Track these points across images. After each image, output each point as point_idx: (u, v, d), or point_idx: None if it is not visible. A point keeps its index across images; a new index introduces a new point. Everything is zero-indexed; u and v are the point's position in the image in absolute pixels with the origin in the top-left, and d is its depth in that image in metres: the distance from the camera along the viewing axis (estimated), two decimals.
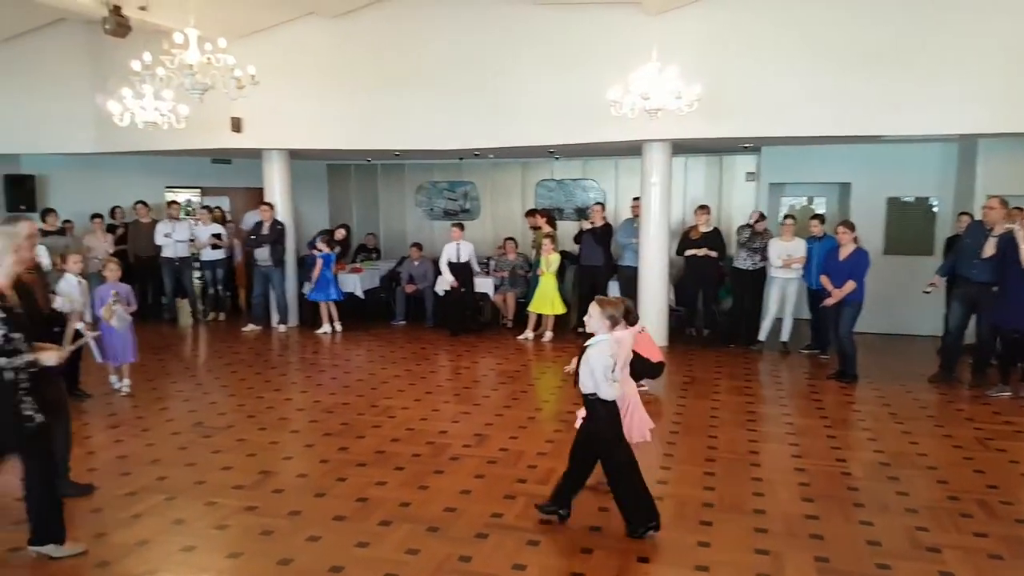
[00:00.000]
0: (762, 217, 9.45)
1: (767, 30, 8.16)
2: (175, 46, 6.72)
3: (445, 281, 10.34)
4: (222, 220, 12.75)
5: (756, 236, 9.25)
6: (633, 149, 9.69)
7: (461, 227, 10.50)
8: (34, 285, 4.58)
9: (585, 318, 4.23)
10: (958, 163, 9.88)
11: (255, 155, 11.03)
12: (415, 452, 5.62)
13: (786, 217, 9.40)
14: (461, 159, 13.01)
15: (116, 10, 8.37)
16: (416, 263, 11.05)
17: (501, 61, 9.14)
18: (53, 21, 10.13)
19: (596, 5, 8.64)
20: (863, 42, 7.84)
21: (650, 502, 4.19)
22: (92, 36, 9.64)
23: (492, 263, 11.19)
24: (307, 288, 10.59)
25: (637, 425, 4.90)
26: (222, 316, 11.56)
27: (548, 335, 9.88)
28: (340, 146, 10.28)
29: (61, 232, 10.62)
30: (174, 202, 11.78)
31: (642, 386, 7.32)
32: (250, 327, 10.62)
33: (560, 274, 10.14)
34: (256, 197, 11.93)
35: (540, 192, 13.18)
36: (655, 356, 7.28)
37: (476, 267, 10.46)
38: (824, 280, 7.91)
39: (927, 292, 7.90)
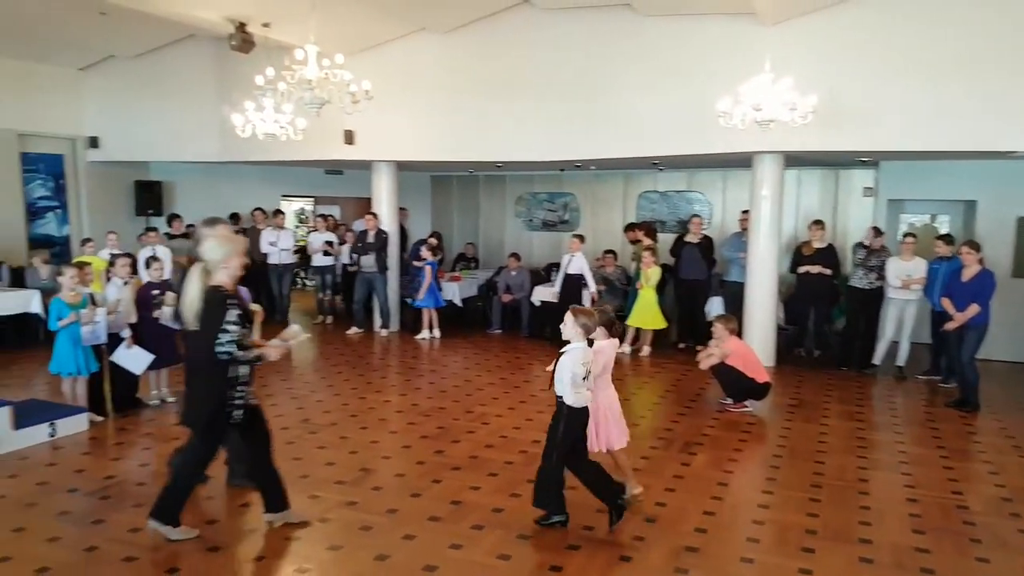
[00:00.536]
0: (878, 233, 8.99)
1: (889, 39, 7.79)
2: (296, 62, 7.02)
3: (549, 292, 10.30)
4: (334, 228, 13.26)
5: (873, 254, 8.81)
6: (742, 161, 9.45)
7: (581, 239, 10.32)
8: None
9: (561, 325, 4.35)
10: None
11: (365, 166, 11.43)
12: (508, 460, 5.65)
13: (906, 235, 8.90)
14: (562, 170, 13.04)
15: (241, 27, 8.91)
16: (513, 273, 11.13)
17: (606, 72, 9.12)
18: (184, 37, 10.83)
19: (707, 16, 8.49)
20: (996, 51, 7.36)
21: (618, 497, 4.39)
22: (219, 52, 10.30)
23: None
24: (419, 295, 10.68)
25: (616, 435, 4.80)
26: (330, 320, 11.98)
27: (646, 350, 9.72)
28: (445, 158, 10.52)
29: (185, 236, 11.32)
30: (279, 211, 12.29)
31: (745, 407, 7.12)
32: (354, 330, 10.98)
33: (660, 288, 9.98)
34: (364, 207, 12.34)
35: (642, 204, 13.04)
36: (761, 376, 7.09)
37: (590, 282, 10.10)
38: (946, 303, 7.45)
39: None
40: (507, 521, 4.55)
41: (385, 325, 11.07)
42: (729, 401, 7.24)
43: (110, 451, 5.89)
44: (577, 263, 10.02)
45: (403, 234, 12.13)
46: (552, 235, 13.82)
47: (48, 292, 8.85)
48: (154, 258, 7.68)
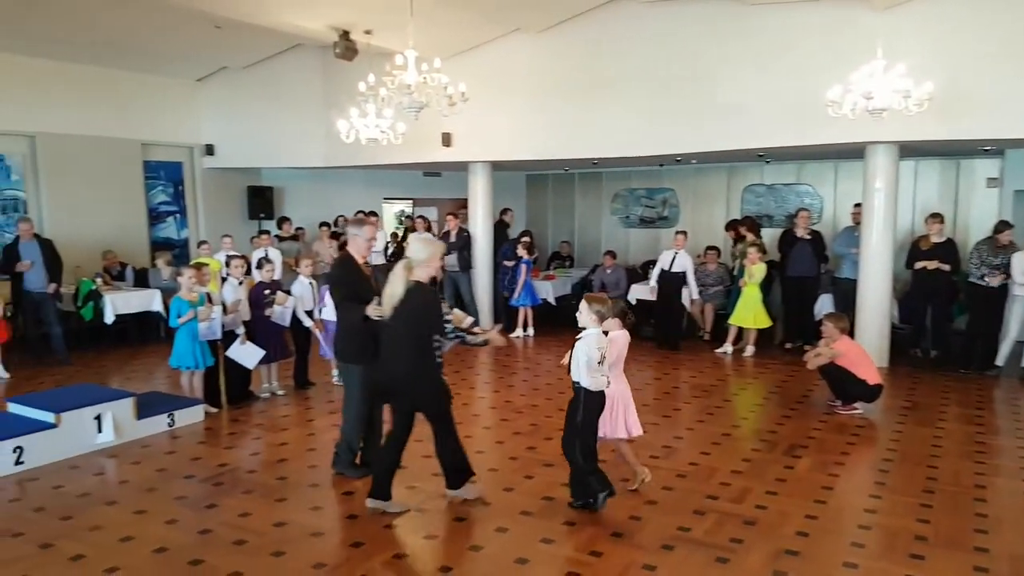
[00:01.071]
0: (1005, 227, 8.37)
1: (1013, 19, 7.26)
2: (396, 67, 7.19)
3: (647, 289, 10.16)
4: (427, 229, 13.50)
5: (998, 249, 8.22)
6: (854, 152, 9.03)
7: (685, 235, 10.04)
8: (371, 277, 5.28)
9: (577, 313, 4.48)
10: None
11: (462, 168, 11.60)
12: (600, 458, 5.57)
13: None
14: (662, 165, 12.82)
15: (345, 35, 9.24)
16: (609, 271, 11.03)
17: (708, 64, 8.88)
18: (291, 47, 11.30)
19: (813, 2, 8.16)
20: None
21: (599, 478, 4.49)
22: (324, 60, 10.70)
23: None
24: (515, 294, 10.76)
25: (632, 423, 4.86)
26: None
27: (750, 350, 9.41)
28: (541, 156, 10.54)
29: (294, 238, 11.83)
30: (373, 213, 12.04)
31: (855, 409, 6.81)
32: None
33: (765, 286, 9.64)
34: (461, 208, 12.52)
35: (748, 198, 12.65)
36: (872, 378, 6.77)
37: (691, 281, 9.84)
38: None
39: None
40: (599, 519, 4.51)
41: (475, 323, 11.12)
42: (838, 403, 6.93)
43: (223, 440, 6.21)
44: (682, 261, 9.77)
45: (507, 234, 12.16)
46: (649, 232, 13.61)
47: (168, 292, 9.43)
48: (266, 259, 8.09)
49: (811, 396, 7.43)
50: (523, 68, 10.15)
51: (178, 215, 12.61)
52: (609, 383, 4.51)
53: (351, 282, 5.01)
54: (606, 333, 4.51)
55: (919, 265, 8.66)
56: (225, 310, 6.91)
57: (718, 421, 6.63)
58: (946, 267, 8.54)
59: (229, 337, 7.00)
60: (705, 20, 8.92)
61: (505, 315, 11.18)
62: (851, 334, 7.25)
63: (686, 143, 9.36)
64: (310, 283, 7.53)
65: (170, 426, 6.39)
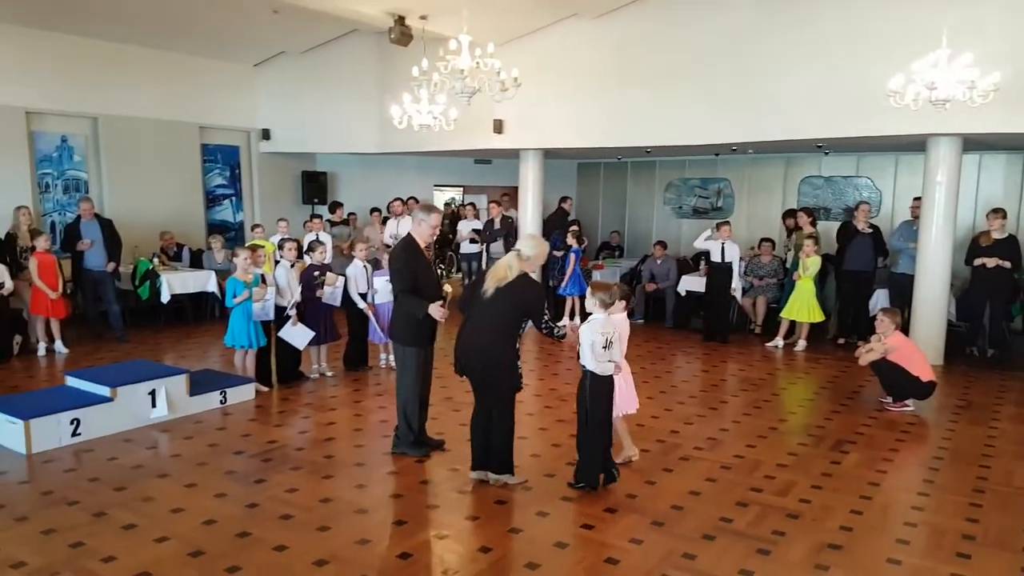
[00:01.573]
0: None
1: None
2: (449, 52, 7.20)
3: (699, 281, 10.04)
4: (476, 217, 13.57)
5: None
6: (916, 145, 8.77)
7: (729, 225, 9.81)
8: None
9: (586, 301, 4.72)
10: None
11: (513, 155, 11.60)
12: (644, 448, 5.58)
13: None
14: (717, 155, 12.62)
15: (400, 20, 9.30)
16: (659, 261, 10.93)
17: (766, 51, 8.71)
18: (347, 32, 11.42)
19: None
20: None
21: (605, 465, 4.68)
22: (380, 46, 10.80)
23: (742, 265, 10.70)
24: (563, 283, 10.71)
25: (624, 403, 5.04)
26: None
27: (801, 344, 9.23)
28: (594, 145, 10.48)
29: (346, 223, 12.00)
30: (398, 199, 11.57)
31: (907, 406, 6.66)
32: None
33: (819, 279, 9.44)
34: (511, 196, 12.55)
35: (804, 190, 12.38)
36: (925, 375, 6.60)
37: (736, 274, 9.66)
38: None
39: None
40: (641, 507, 4.52)
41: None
42: (889, 399, 6.78)
43: (273, 419, 6.36)
44: (731, 251, 9.58)
45: (567, 222, 11.99)
46: (702, 223, 13.34)
47: (222, 274, 9.69)
48: (317, 241, 8.23)
49: (862, 392, 7.28)
50: (578, 55, 10.08)
51: (234, 198, 12.89)
52: (619, 369, 4.70)
53: (412, 270, 5.05)
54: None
55: (978, 262, 8.39)
56: (278, 291, 7.06)
57: (765, 415, 6.54)
58: (1007, 264, 8.25)
59: (281, 318, 7.16)
60: (764, 7, 8.75)
61: (552, 304, 11.17)
62: (905, 330, 7.06)
63: (744, 132, 9.20)
64: (364, 266, 7.64)
65: (222, 403, 6.57)
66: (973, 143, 8.77)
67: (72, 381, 6.30)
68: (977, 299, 8.67)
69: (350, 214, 12.45)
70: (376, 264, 8.08)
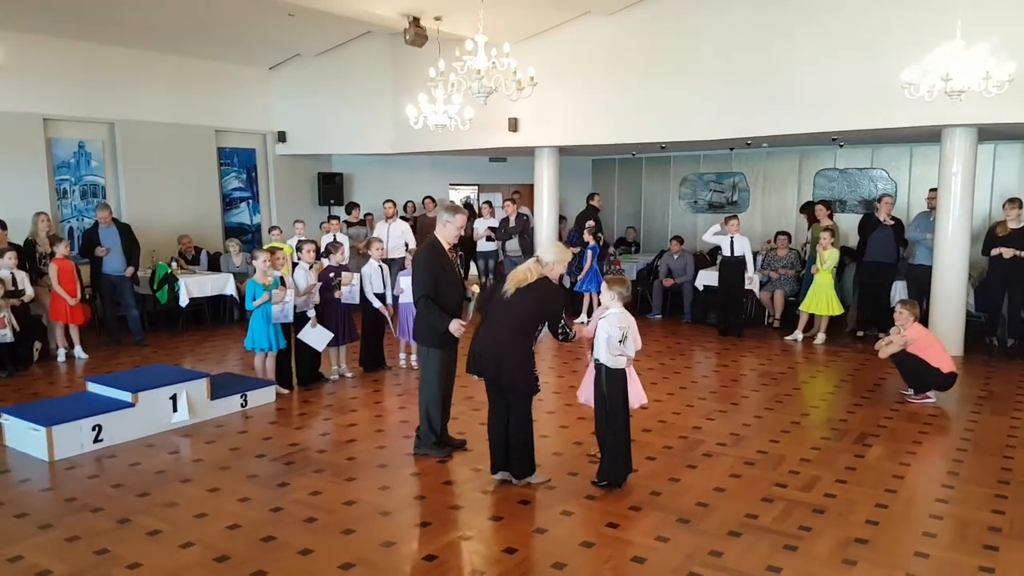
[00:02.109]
0: None
1: None
2: (465, 52, 7.20)
3: (714, 276, 10.01)
4: (492, 215, 13.57)
5: None
6: (930, 135, 8.69)
7: (737, 219, 9.76)
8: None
9: (600, 296, 4.82)
10: None
11: (527, 153, 11.60)
12: (667, 444, 5.58)
13: None
14: (731, 149, 12.57)
15: (415, 21, 9.31)
16: (676, 256, 10.90)
17: (779, 45, 8.67)
18: (362, 34, 11.45)
19: None
20: None
21: (627, 460, 4.74)
22: (394, 47, 10.83)
23: (759, 259, 10.66)
24: (579, 278, 10.69)
25: (639, 394, 4.99)
26: None
27: (820, 337, 9.19)
28: (609, 141, 10.45)
29: (362, 223, 12.04)
30: (389, 201, 11.26)
31: (928, 398, 6.61)
32: None
33: (837, 272, 9.37)
34: (527, 193, 12.55)
35: (819, 183, 12.30)
36: (946, 366, 6.56)
37: (750, 265, 9.61)
38: None
39: None
40: (665, 504, 4.51)
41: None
42: (910, 392, 6.74)
43: (294, 421, 6.39)
44: (740, 244, 9.54)
45: (598, 218, 11.92)
46: (718, 217, 13.27)
47: (241, 276, 9.74)
48: (335, 243, 8.26)
49: (883, 385, 7.24)
50: (592, 52, 10.06)
51: (251, 201, 12.96)
52: (630, 362, 4.74)
53: (434, 273, 5.04)
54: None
55: (996, 252, 8.33)
56: (298, 293, 7.10)
57: (787, 409, 6.52)
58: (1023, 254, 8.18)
59: (300, 321, 7.20)
60: (777, 2, 8.70)
61: (569, 301, 11.17)
62: (924, 322, 7.01)
63: (758, 126, 9.17)
64: (379, 266, 7.67)
65: (243, 406, 6.60)
66: (988, 133, 8.69)
67: (93, 387, 6.31)
68: (995, 289, 8.61)
69: (366, 214, 12.48)
70: (401, 264, 8.07)
